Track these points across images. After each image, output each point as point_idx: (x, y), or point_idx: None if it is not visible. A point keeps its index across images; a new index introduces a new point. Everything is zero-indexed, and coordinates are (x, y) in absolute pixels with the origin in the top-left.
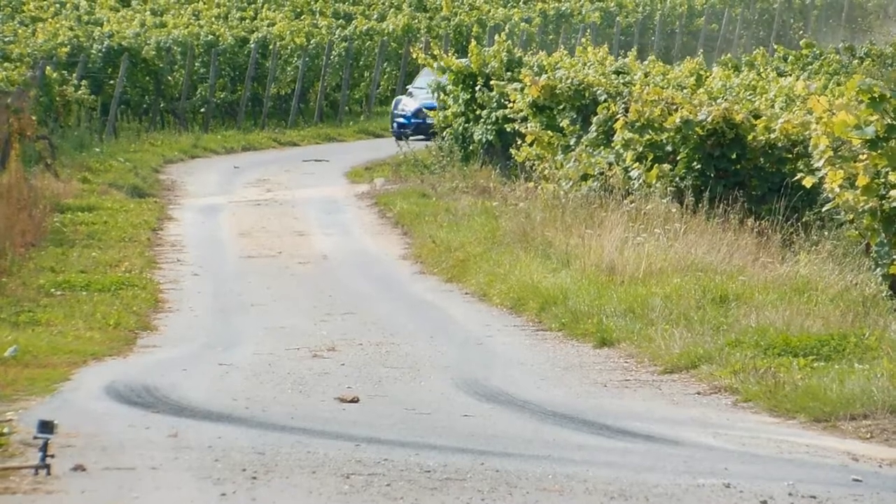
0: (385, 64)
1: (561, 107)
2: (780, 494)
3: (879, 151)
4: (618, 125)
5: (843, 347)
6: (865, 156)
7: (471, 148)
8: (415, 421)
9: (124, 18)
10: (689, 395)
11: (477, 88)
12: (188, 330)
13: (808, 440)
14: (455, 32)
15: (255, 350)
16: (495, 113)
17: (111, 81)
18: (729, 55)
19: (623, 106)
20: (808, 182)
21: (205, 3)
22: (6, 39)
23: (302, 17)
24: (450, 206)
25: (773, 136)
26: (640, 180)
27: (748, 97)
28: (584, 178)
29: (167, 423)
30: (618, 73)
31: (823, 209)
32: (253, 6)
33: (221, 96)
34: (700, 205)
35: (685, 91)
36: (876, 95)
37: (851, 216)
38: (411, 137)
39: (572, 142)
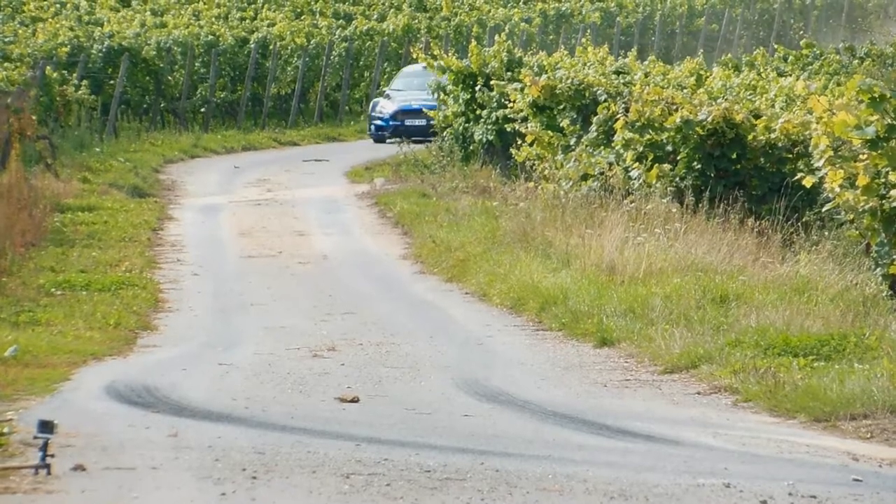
0: (385, 64)
1: (561, 107)
2: (780, 494)
3: (880, 151)
4: (618, 125)
5: (844, 347)
6: (865, 156)
7: (471, 148)
8: (415, 421)
9: (124, 18)
10: (690, 395)
11: (477, 88)
12: (188, 330)
13: (808, 440)
14: (455, 32)
15: (255, 350)
16: (495, 113)
17: (111, 81)
18: (729, 55)
19: (623, 106)
20: (808, 182)
21: (205, 3)
22: (6, 39)
23: (302, 18)
24: (450, 206)
25: (773, 135)
26: (641, 180)
27: (748, 97)
28: (585, 177)
29: (167, 423)
30: (618, 73)
31: (824, 209)
32: (253, 6)
33: (221, 96)
34: (700, 205)
35: (685, 91)
36: (876, 95)
37: (851, 216)
38: (388, 140)
39: (572, 142)
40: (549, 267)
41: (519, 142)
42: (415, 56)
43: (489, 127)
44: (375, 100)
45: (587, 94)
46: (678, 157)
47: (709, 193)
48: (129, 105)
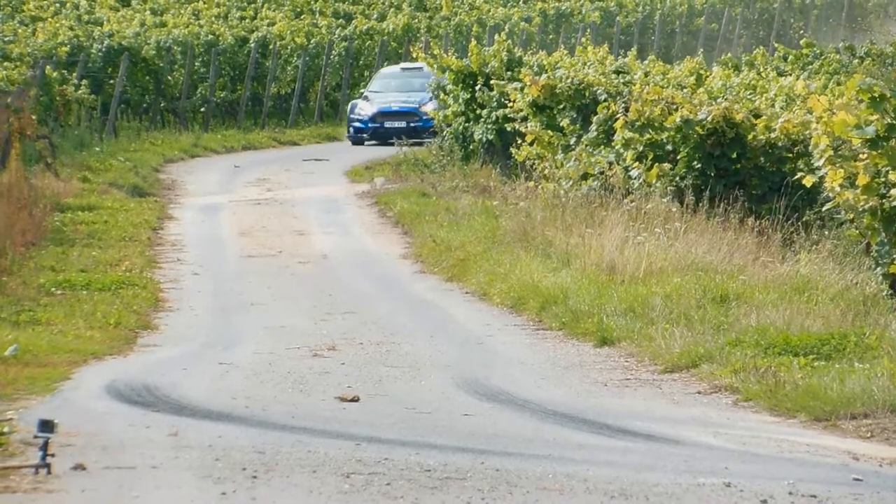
0: (385, 63)
1: (561, 106)
2: (780, 493)
3: (880, 151)
4: (618, 124)
5: (844, 347)
6: (866, 155)
7: (471, 147)
8: (415, 420)
9: (124, 18)
10: (690, 395)
11: (477, 88)
12: (188, 329)
13: (808, 439)
14: (455, 32)
15: (255, 349)
16: (495, 112)
17: (111, 81)
18: (729, 55)
19: (623, 105)
20: (808, 181)
21: (205, 3)
22: (6, 39)
23: (302, 17)
24: (450, 206)
25: (773, 135)
26: (641, 180)
27: (748, 96)
28: (585, 177)
29: (167, 422)
30: (618, 72)
31: (824, 208)
32: (253, 6)
33: (221, 96)
34: (700, 204)
35: (685, 90)
36: (876, 95)
37: (852, 215)
38: (367, 143)
39: (572, 141)
40: (549, 266)
41: (519, 141)
42: (415, 55)
43: (489, 126)
44: (354, 101)
45: (587, 94)
46: (678, 157)
47: (709, 193)
48: (129, 105)
